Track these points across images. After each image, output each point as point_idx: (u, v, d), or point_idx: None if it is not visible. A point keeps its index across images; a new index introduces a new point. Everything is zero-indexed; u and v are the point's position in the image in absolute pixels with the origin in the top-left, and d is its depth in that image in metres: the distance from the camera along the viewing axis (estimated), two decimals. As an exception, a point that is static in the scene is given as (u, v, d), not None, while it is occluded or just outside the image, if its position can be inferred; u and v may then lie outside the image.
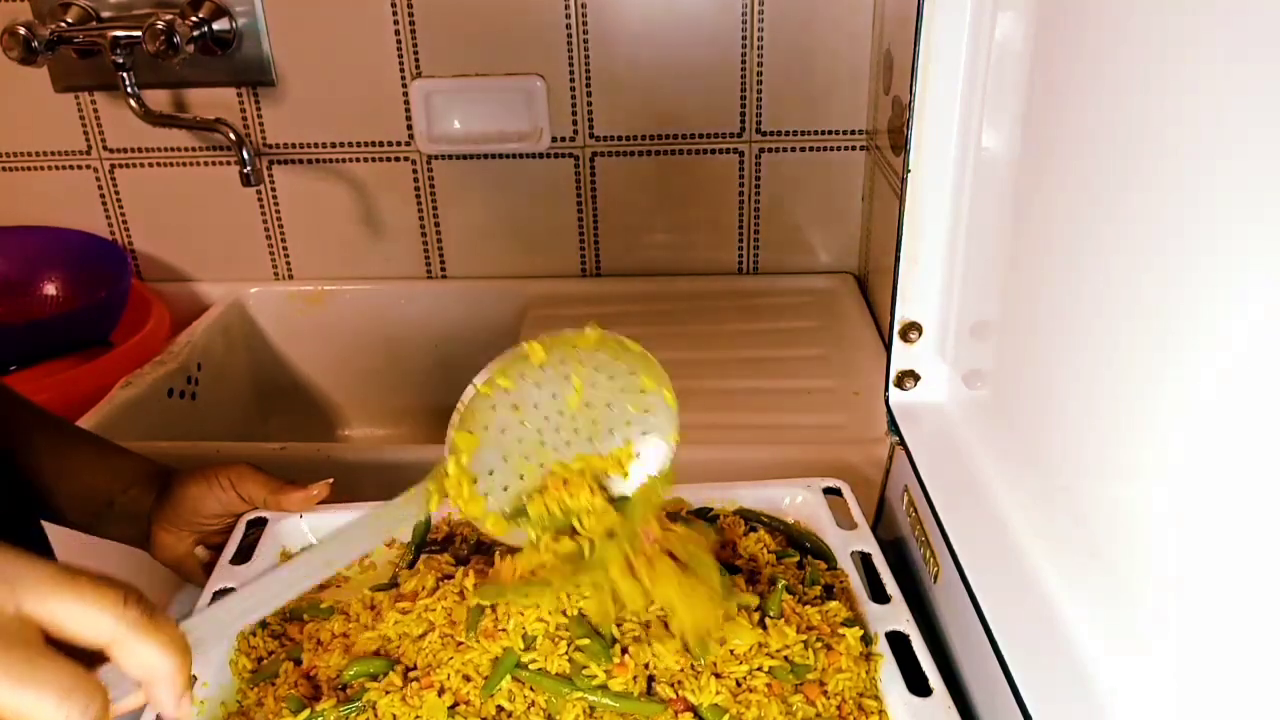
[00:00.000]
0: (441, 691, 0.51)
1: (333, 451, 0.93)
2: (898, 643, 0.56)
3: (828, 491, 0.69)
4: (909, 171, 0.64)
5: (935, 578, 0.62)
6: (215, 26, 1.13)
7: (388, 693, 0.52)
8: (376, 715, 0.51)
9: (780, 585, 0.57)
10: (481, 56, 1.16)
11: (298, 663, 0.57)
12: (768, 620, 0.55)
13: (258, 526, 0.68)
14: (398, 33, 1.15)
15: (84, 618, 0.37)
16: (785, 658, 0.53)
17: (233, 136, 1.11)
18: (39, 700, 0.35)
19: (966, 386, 0.66)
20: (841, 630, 0.55)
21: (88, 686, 0.36)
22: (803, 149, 1.19)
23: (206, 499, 0.68)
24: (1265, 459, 0.34)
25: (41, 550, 0.68)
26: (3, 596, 0.36)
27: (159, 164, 1.24)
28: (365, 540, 0.52)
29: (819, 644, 0.54)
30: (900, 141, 0.98)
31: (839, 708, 0.52)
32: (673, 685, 0.52)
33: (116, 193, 1.26)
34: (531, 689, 0.51)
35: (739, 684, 0.52)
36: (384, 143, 1.21)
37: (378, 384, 1.32)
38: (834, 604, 0.57)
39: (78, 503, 0.70)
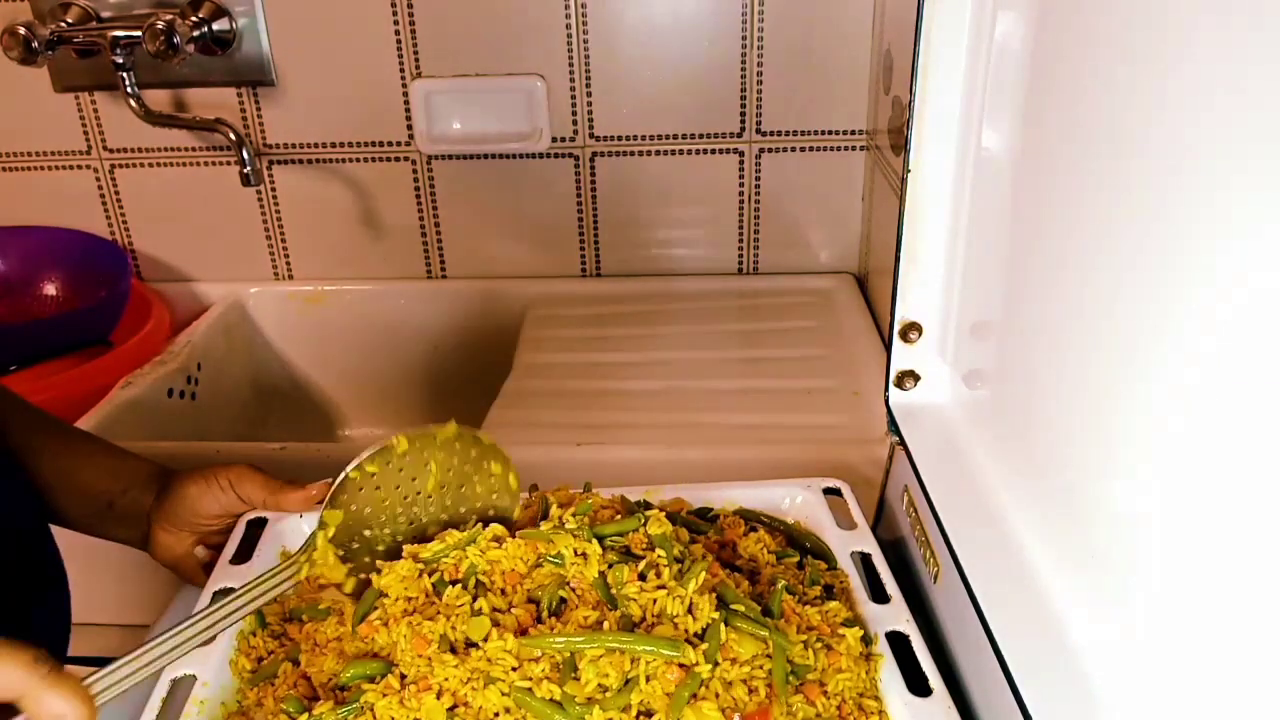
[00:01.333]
0: (440, 694, 0.51)
1: (333, 451, 0.93)
2: (898, 643, 0.56)
3: (828, 491, 0.69)
4: (909, 171, 0.64)
5: (935, 578, 0.62)
6: (215, 26, 1.13)
7: (385, 695, 0.51)
8: (375, 718, 0.51)
9: (780, 585, 0.57)
10: (481, 56, 1.16)
11: (296, 663, 0.57)
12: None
13: (258, 526, 0.68)
14: (398, 33, 1.15)
15: (2, 676, 0.43)
16: (786, 658, 0.53)
17: (233, 136, 1.11)
18: None
19: (966, 386, 0.66)
20: (841, 630, 0.55)
21: None
22: (803, 149, 1.19)
23: (206, 499, 0.68)
24: (1265, 459, 0.34)
25: (47, 552, 0.68)
26: None
27: (159, 164, 1.24)
28: (249, 606, 0.59)
29: (819, 644, 0.54)
30: (900, 141, 0.98)
31: (839, 708, 0.52)
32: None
33: (116, 193, 1.26)
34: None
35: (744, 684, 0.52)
36: (384, 143, 1.21)
37: (377, 384, 1.32)
38: (834, 604, 0.57)
39: (78, 504, 0.70)
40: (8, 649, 0.44)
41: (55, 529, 0.70)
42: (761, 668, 0.52)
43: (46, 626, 0.66)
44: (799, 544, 0.65)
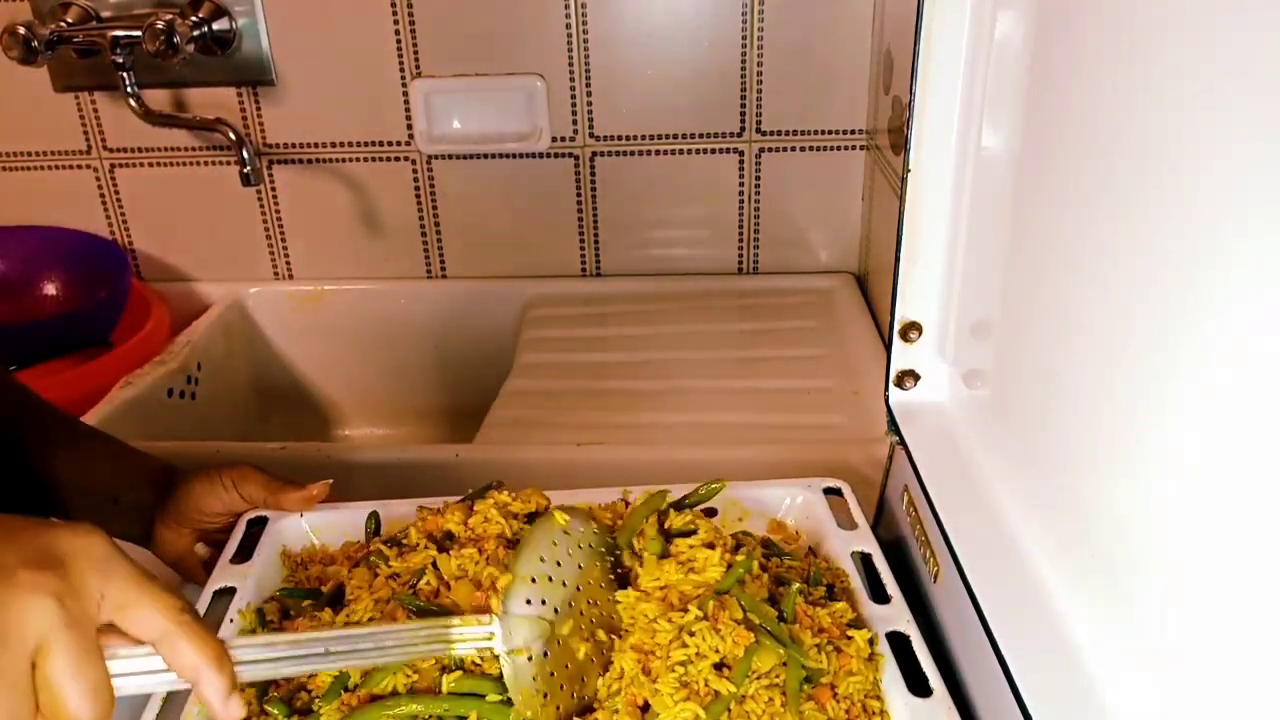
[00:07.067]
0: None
1: (333, 451, 0.93)
2: (898, 643, 0.56)
3: (828, 491, 0.68)
4: (909, 171, 0.64)
5: (935, 578, 0.62)
6: (215, 26, 1.13)
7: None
8: None
9: (795, 588, 0.57)
10: (481, 56, 1.16)
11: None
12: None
13: (258, 525, 0.68)
14: (398, 33, 1.15)
15: (147, 616, 0.41)
16: (800, 665, 0.52)
17: (233, 136, 1.11)
18: (79, 693, 0.39)
19: (966, 386, 0.66)
20: (850, 632, 0.55)
21: (109, 694, 0.41)
22: (803, 149, 1.19)
23: (209, 498, 0.68)
24: (1265, 458, 0.34)
25: None
26: (96, 584, 0.40)
27: (159, 164, 1.24)
28: (422, 647, 0.50)
29: (829, 647, 0.54)
30: (900, 141, 0.98)
31: (847, 711, 0.52)
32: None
33: (116, 193, 1.26)
34: None
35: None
36: (384, 143, 1.21)
37: (377, 384, 1.32)
38: (840, 604, 0.57)
39: (84, 499, 0.70)
40: (161, 592, 0.42)
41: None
42: (777, 676, 0.52)
43: None
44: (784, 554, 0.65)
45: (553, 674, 0.51)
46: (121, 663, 0.42)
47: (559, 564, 0.54)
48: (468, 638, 0.49)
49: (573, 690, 0.51)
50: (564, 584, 0.53)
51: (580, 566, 0.55)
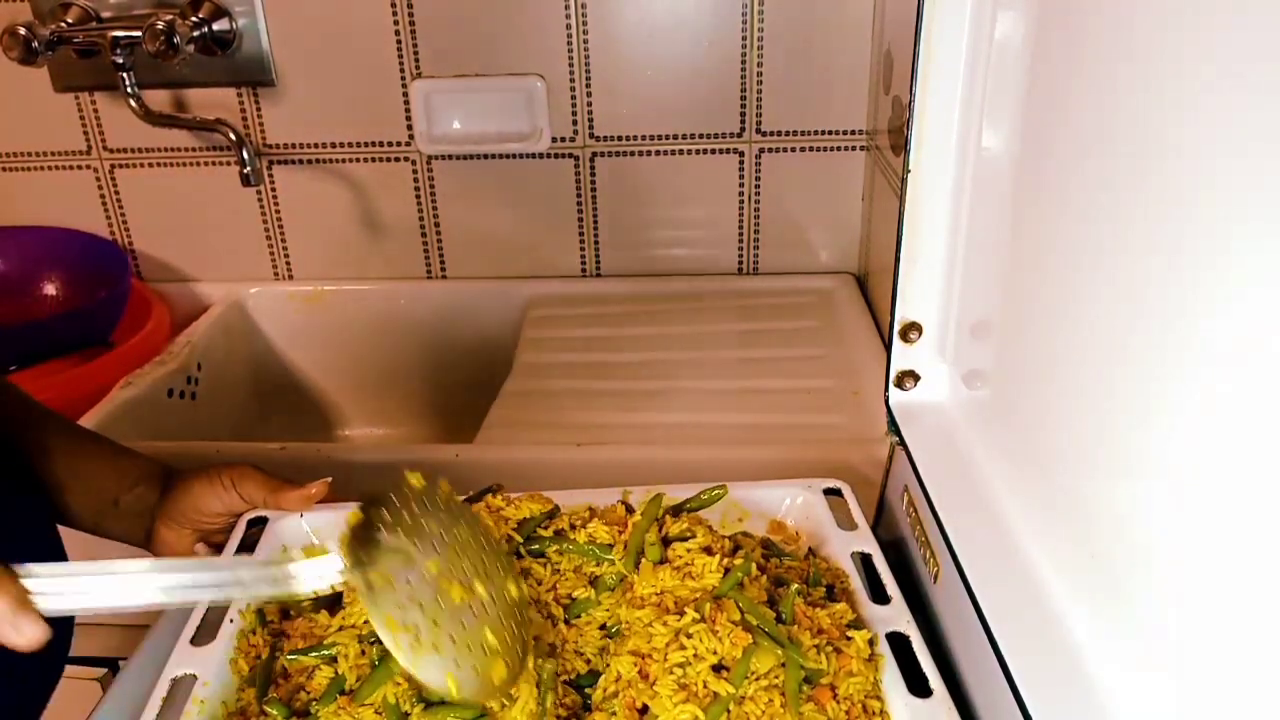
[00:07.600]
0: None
1: (332, 451, 0.93)
2: (898, 644, 0.56)
3: (828, 492, 0.69)
4: (909, 171, 0.64)
5: (935, 578, 0.62)
6: (215, 26, 1.13)
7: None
8: None
9: (793, 589, 0.57)
10: (481, 56, 1.16)
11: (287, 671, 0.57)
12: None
13: (258, 525, 0.68)
14: (398, 33, 1.15)
15: None
16: (799, 665, 0.52)
17: (233, 136, 1.11)
18: None
19: (966, 386, 0.66)
20: (850, 633, 0.55)
21: None
22: (803, 149, 1.19)
23: (208, 497, 0.68)
24: (1265, 459, 0.34)
25: (55, 552, 0.68)
26: None
27: (159, 164, 1.24)
28: (263, 588, 0.47)
29: (829, 647, 0.54)
30: (900, 141, 0.98)
31: (847, 711, 0.52)
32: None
33: (116, 193, 1.26)
34: None
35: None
36: (384, 143, 1.21)
37: (377, 384, 1.32)
38: (840, 605, 0.57)
39: (85, 502, 0.70)
40: None
41: (60, 528, 0.70)
42: (776, 677, 0.52)
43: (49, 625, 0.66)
44: (783, 555, 0.65)
45: (422, 607, 0.46)
46: None
47: (416, 510, 0.51)
48: (313, 571, 0.46)
49: (453, 635, 0.47)
50: (424, 526, 0.50)
51: (442, 519, 0.52)
